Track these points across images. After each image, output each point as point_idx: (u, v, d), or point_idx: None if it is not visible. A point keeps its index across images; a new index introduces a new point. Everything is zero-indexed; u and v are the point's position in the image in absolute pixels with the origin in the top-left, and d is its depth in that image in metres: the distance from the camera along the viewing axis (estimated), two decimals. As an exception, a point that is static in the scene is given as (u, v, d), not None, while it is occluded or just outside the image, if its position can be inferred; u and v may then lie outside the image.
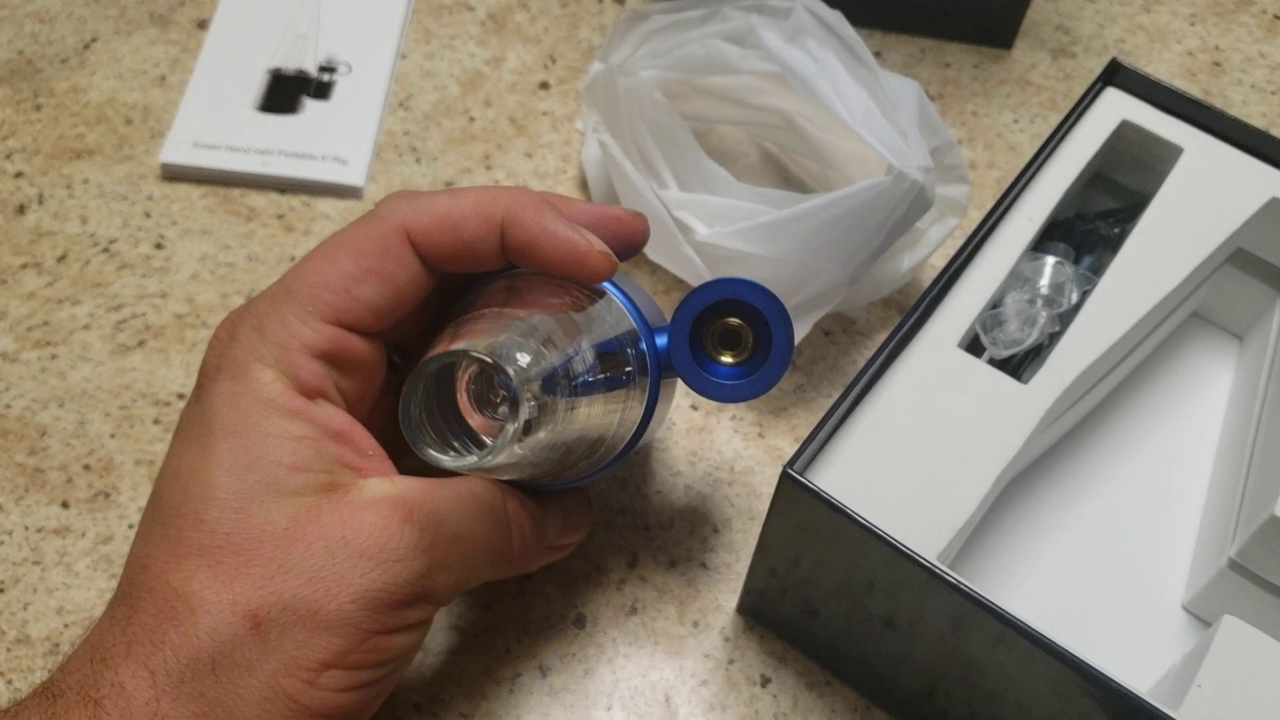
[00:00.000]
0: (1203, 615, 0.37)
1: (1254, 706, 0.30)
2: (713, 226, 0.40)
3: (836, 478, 0.33)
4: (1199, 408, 0.42)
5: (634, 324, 0.32)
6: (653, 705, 0.34)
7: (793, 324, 0.31)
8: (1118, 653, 0.37)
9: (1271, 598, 0.35)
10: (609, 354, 0.31)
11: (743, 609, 0.37)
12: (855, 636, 0.35)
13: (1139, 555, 0.38)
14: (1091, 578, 0.38)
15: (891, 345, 0.34)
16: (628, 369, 0.31)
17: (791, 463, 0.31)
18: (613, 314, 0.32)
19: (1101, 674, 0.28)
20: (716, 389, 0.31)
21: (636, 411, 0.32)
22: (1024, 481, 0.39)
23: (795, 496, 0.31)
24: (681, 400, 0.41)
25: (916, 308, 0.35)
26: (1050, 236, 0.41)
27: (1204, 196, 0.40)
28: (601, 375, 0.30)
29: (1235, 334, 0.44)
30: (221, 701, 0.25)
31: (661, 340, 0.32)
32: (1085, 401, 0.39)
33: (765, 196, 0.39)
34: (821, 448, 0.33)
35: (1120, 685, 0.28)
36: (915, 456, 0.33)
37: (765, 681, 0.35)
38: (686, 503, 0.38)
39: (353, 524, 0.27)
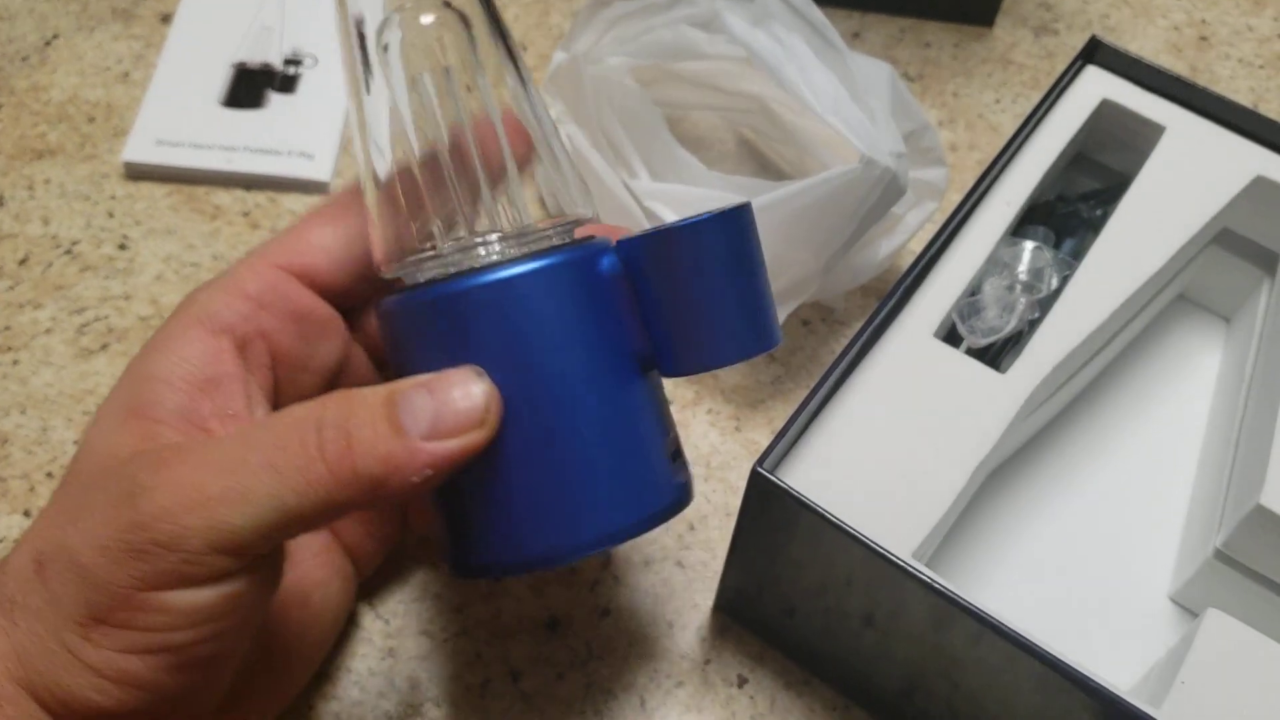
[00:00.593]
0: (1190, 606, 0.36)
1: (1239, 702, 0.29)
2: (684, 216, 0.39)
3: (810, 474, 0.32)
4: (1186, 392, 0.41)
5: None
6: (627, 708, 0.34)
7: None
8: (1104, 645, 0.36)
9: (1259, 588, 0.34)
10: None
11: (719, 608, 0.36)
12: (834, 635, 0.34)
13: (1125, 545, 0.38)
14: (1077, 569, 0.37)
15: (865, 337, 0.33)
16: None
17: (761, 461, 0.30)
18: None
19: (1081, 674, 0.28)
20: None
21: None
22: (1006, 472, 0.38)
23: (766, 495, 0.31)
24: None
25: (890, 297, 0.34)
26: (1031, 220, 0.40)
27: (1187, 176, 0.39)
28: None
29: (1222, 316, 0.43)
30: (23, 644, 0.24)
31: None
32: (1068, 388, 0.38)
33: (737, 185, 0.38)
34: (794, 443, 0.32)
35: (1100, 685, 0.27)
36: (890, 451, 0.32)
37: (742, 682, 0.34)
38: (661, 500, 0.38)
39: (124, 469, 0.25)
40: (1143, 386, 0.41)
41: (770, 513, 0.31)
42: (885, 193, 0.36)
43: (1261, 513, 0.32)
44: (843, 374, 0.33)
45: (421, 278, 0.28)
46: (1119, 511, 0.38)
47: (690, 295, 0.27)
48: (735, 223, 0.27)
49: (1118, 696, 0.27)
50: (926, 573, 0.29)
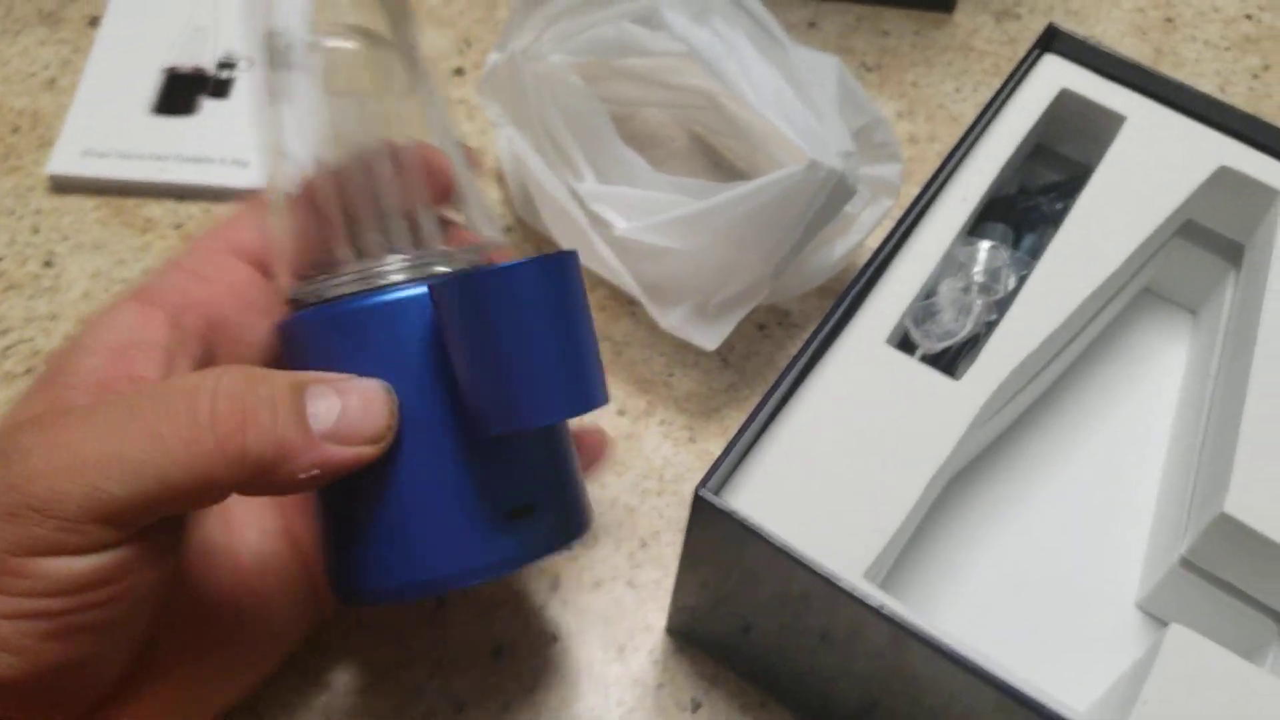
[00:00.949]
0: (1158, 614, 0.35)
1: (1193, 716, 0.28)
2: (631, 220, 0.37)
3: (757, 492, 0.30)
4: (1152, 389, 0.40)
5: None
6: (576, 738, 0.32)
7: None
8: (1071, 655, 0.35)
9: (1226, 596, 0.33)
10: None
11: (672, 628, 0.35)
12: (790, 653, 0.33)
13: (1091, 552, 0.36)
14: (1041, 578, 0.36)
15: (813, 347, 0.32)
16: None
17: (703, 483, 0.29)
18: None
19: (1035, 699, 0.27)
20: None
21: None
22: (967, 479, 0.37)
23: (710, 519, 0.29)
24: (608, 409, 0.39)
25: (840, 304, 0.33)
26: (991, 215, 0.38)
27: (1149, 167, 0.37)
28: None
29: (1189, 309, 0.42)
30: None
31: None
32: (1030, 390, 0.37)
33: (683, 187, 0.37)
34: (743, 459, 0.31)
35: (1056, 712, 0.26)
36: (841, 466, 0.31)
37: (696, 706, 0.33)
38: (612, 517, 0.36)
39: (11, 433, 0.25)
40: (1108, 384, 0.40)
41: (716, 536, 0.30)
42: (833, 194, 0.35)
43: (1226, 521, 0.31)
44: (791, 386, 0.32)
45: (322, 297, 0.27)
46: (1084, 517, 0.37)
47: (496, 347, 0.24)
48: (546, 273, 0.24)
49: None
50: (876, 598, 0.28)
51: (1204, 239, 0.39)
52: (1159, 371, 0.40)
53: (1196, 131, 0.38)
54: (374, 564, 0.26)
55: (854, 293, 0.33)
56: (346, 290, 0.26)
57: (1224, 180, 0.37)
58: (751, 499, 0.30)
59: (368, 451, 0.25)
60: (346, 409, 0.25)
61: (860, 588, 0.28)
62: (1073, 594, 0.36)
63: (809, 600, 0.31)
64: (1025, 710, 0.27)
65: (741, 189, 0.34)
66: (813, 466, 0.31)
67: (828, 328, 0.32)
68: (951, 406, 0.32)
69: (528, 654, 0.34)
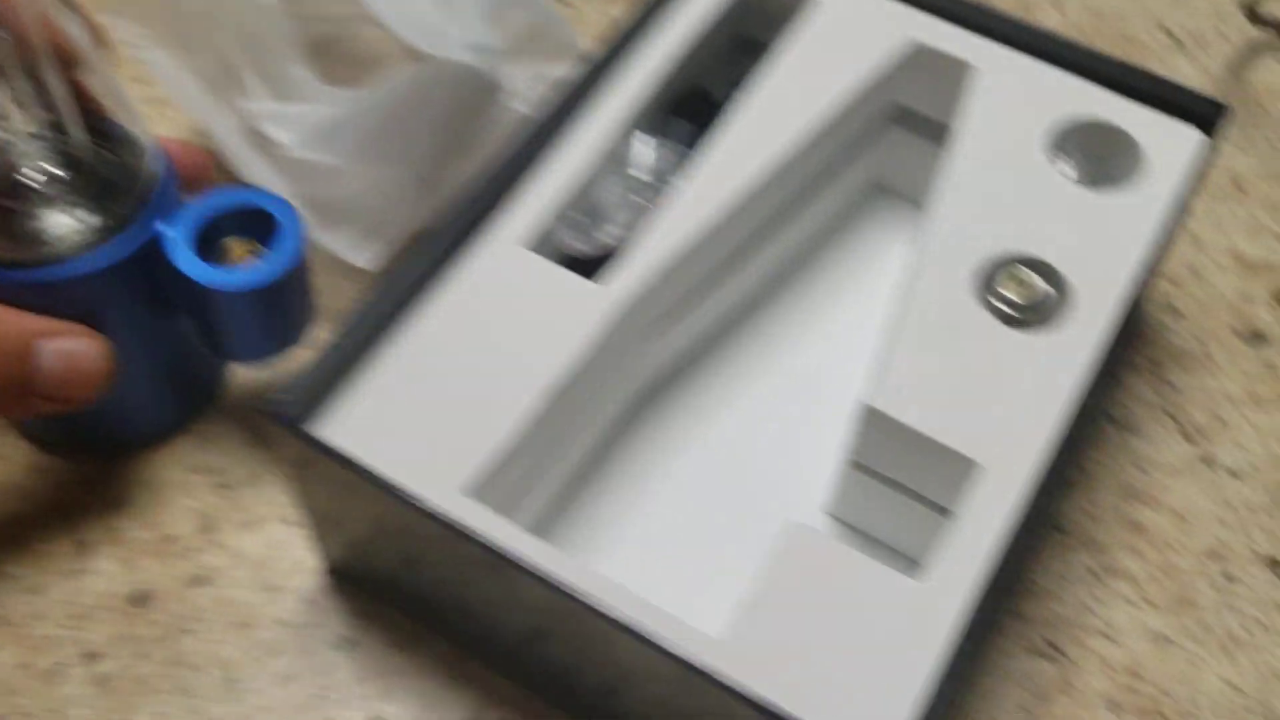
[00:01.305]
0: (845, 519, 0.33)
1: (814, 619, 0.26)
2: (292, 136, 0.35)
3: (360, 412, 0.28)
4: (871, 289, 0.38)
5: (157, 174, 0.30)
6: (212, 683, 0.31)
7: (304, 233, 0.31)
8: (758, 569, 0.33)
9: (896, 494, 0.31)
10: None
11: (333, 568, 0.33)
12: (457, 583, 0.31)
13: (787, 461, 0.34)
14: (735, 495, 0.34)
15: (436, 252, 0.30)
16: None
17: (280, 402, 0.27)
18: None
19: (620, 621, 0.25)
20: (214, 276, 0.30)
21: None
22: (665, 395, 0.35)
23: (289, 441, 0.27)
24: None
25: (469, 205, 0.30)
26: (684, 112, 0.36)
27: (832, 48, 0.35)
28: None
29: (915, 202, 0.39)
30: None
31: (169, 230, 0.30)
32: (723, 295, 0.35)
33: (335, 97, 0.35)
34: (345, 378, 0.29)
35: (646, 635, 0.25)
36: (452, 380, 0.29)
37: (350, 644, 0.31)
38: (274, 454, 0.34)
39: None
40: (826, 288, 0.38)
41: (301, 458, 0.28)
42: (476, 92, 0.32)
43: (872, 414, 0.29)
44: (407, 295, 0.30)
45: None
46: (785, 427, 0.35)
47: (253, 322, 0.32)
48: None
49: (665, 649, 0.25)
50: (461, 516, 0.26)
51: (919, 126, 0.37)
52: (880, 271, 0.38)
53: (889, 9, 0.36)
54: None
55: (481, 193, 0.31)
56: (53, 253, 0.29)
57: (924, 60, 0.35)
58: (354, 419, 0.28)
59: (84, 404, 0.29)
60: (67, 374, 0.29)
61: (441, 505, 0.26)
62: (766, 508, 0.34)
63: (402, 524, 0.28)
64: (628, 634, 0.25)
65: (369, 92, 0.32)
66: (423, 381, 0.29)
67: (451, 232, 0.30)
68: (587, 310, 0.30)
69: (171, 600, 0.32)
